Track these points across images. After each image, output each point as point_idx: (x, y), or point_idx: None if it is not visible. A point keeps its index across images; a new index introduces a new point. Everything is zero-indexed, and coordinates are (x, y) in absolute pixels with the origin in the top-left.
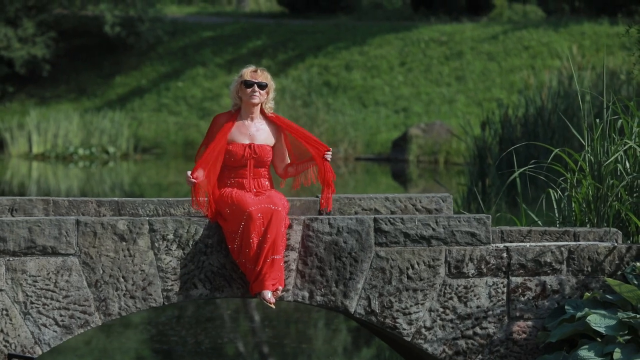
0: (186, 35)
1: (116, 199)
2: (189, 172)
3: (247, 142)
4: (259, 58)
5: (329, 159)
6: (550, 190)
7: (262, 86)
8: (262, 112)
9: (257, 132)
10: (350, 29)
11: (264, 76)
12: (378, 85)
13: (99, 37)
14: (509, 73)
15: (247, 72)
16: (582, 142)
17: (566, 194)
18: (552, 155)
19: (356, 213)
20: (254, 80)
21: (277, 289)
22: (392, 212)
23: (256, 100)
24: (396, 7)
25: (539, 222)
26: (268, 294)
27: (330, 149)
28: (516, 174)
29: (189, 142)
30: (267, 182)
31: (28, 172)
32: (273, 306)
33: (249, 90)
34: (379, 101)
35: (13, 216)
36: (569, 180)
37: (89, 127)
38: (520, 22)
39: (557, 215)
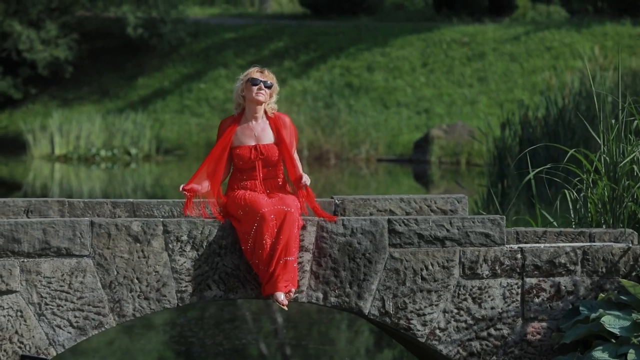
0: (208, 37)
1: (131, 200)
2: (181, 187)
3: (253, 143)
4: (280, 59)
5: (306, 184)
6: (566, 191)
7: (267, 85)
8: (264, 112)
9: (262, 132)
10: (372, 30)
11: (270, 77)
12: (400, 86)
13: (122, 38)
14: (531, 74)
15: (254, 71)
16: (599, 142)
17: (582, 194)
18: (567, 156)
19: (371, 214)
20: (260, 79)
21: (289, 291)
22: (407, 213)
23: (261, 98)
24: (418, 8)
25: (554, 223)
26: (280, 296)
27: (304, 176)
28: (531, 174)
29: (211, 144)
30: (279, 183)
31: (50, 174)
32: (285, 308)
33: (255, 87)
34: (401, 102)
35: (28, 217)
36: (584, 181)
37: (111, 128)
38: (543, 22)
39: (572, 216)
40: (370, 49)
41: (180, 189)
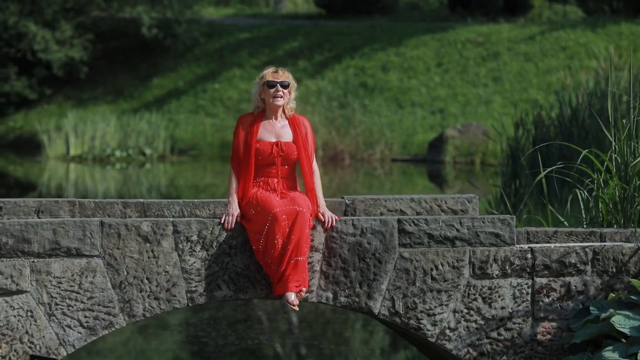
0: (223, 37)
1: (142, 200)
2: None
3: (273, 140)
4: (295, 59)
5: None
6: (578, 191)
7: (284, 85)
8: (283, 111)
9: (282, 129)
10: (386, 30)
11: (285, 75)
12: (414, 86)
13: (136, 39)
14: (546, 74)
15: (269, 73)
16: (612, 142)
17: (593, 194)
18: (581, 157)
19: (381, 214)
20: (276, 80)
21: (300, 291)
22: (418, 213)
23: (280, 102)
24: (433, 7)
25: (565, 222)
26: (291, 296)
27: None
28: (542, 174)
29: (225, 144)
30: (292, 183)
31: (65, 174)
32: (296, 308)
33: (272, 90)
34: (415, 102)
35: (39, 218)
36: (595, 181)
37: (126, 128)
38: (557, 22)
39: (584, 216)
40: (384, 49)
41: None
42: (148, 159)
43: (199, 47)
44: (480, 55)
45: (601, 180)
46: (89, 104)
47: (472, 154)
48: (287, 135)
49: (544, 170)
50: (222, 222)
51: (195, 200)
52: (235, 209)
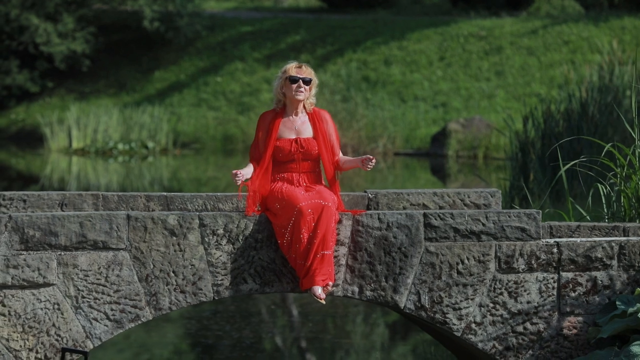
0: (225, 30)
1: (165, 193)
2: (235, 172)
3: (293, 136)
4: (297, 53)
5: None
6: (599, 185)
7: (306, 82)
8: (303, 107)
9: (302, 125)
10: (388, 24)
11: (308, 72)
12: (417, 80)
13: (138, 32)
14: (549, 68)
15: (292, 68)
16: (634, 136)
17: (616, 188)
18: (604, 151)
19: (404, 208)
20: (299, 75)
21: (327, 285)
22: (440, 207)
23: (301, 97)
24: (434, 1)
25: (588, 217)
26: (318, 290)
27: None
28: (565, 167)
29: (228, 137)
30: (316, 177)
31: (68, 167)
32: (323, 302)
33: (294, 86)
34: (418, 96)
35: (63, 211)
36: (618, 175)
37: (129, 122)
38: (560, 16)
39: (605, 210)
40: (387, 43)
41: (233, 172)
42: (150, 152)
43: (201, 40)
44: (483, 49)
45: (624, 174)
46: (91, 97)
47: (475, 147)
48: (307, 131)
49: (563, 164)
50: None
51: (219, 194)
52: (242, 171)
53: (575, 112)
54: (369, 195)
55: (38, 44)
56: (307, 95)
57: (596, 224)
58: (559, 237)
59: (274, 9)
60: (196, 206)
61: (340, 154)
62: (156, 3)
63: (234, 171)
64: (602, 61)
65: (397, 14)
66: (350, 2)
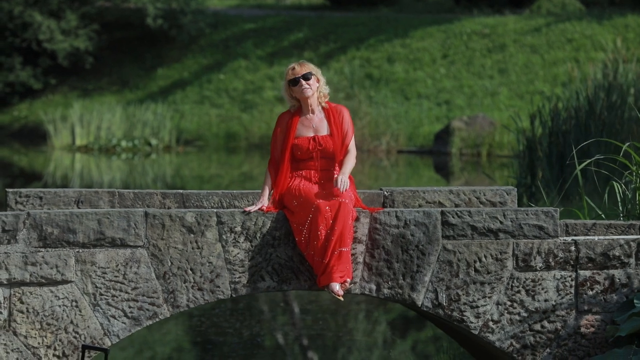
0: (227, 28)
1: (181, 191)
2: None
3: (311, 134)
4: (300, 50)
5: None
6: (615, 183)
7: (307, 77)
8: (318, 102)
9: (319, 123)
10: (391, 21)
11: (304, 68)
12: (420, 77)
13: (142, 29)
14: (552, 66)
15: (288, 73)
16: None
17: (632, 186)
18: (622, 150)
19: (419, 206)
20: (296, 76)
21: (345, 281)
22: (456, 205)
23: (309, 93)
24: None
25: (603, 215)
26: (336, 287)
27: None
28: (581, 166)
29: (230, 134)
30: (334, 174)
31: (71, 164)
32: (341, 299)
33: (297, 87)
34: (422, 94)
35: (79, 208)
36: (635, 173)
37: (132, 119)
38: (563, 14)
39: (620, 208)
40: (390, 40)
41: (264, 208)
42: (154, 149)
43: (204, 38)
44: (486, 47)
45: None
46: (94, 94)
47: (478, 145)
48: (324, 129)
49: (579, 164)
50: (247, 209)
51: (234, 191)
52: (262, 201)
53: (583, 110)
54: (385, 193)
55: (41, 41)
56: (314, 89)
57: (612, 222)
58: (575, 235)
59: (277, 6)
60: (212, 203)
61: (348, 156)
62: (159, 0)
63: (247, 209)
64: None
65: (399, 12)
66: (352, 0)
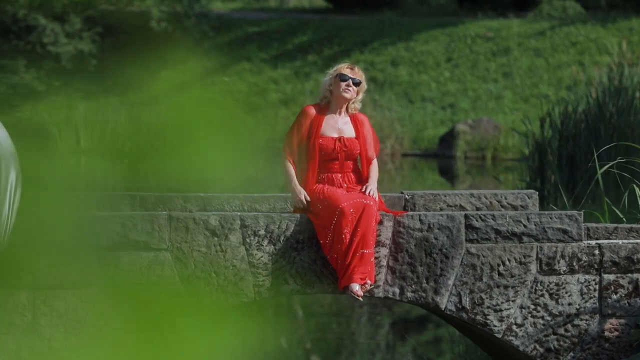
0: (231, 31)
1: (202, 194)
2: (302, 198)
3: (336, 135)
4: (304, 54)
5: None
6: (635, 187)
7: (356, 83)
8: (347, 108)
9: (345, 125)
10: (395, 25)
11: (359, 74)
12: (424, 81)
13: (146, 32)
14: (557, 69)
15: (344, 67)
16: None
17: None
18: None
19: (441, 209)
20: (350, 75)
21: (365, 283)
22: (478, 209)
23: (348, 95)
24: (441, 2)
25: (624, 219)
26: (356, 287)
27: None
28: (602, 170)
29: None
30: (357, 177)
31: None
32: (361, 299)
33: (343, 84)
34: (426, 97)
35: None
36: None
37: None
38: (567, 18)
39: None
40: (394, 44)
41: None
42: None
43: (208, 41)
44: (491, 51)
45: None
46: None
47: (483, 149)
48: (349, 131)
49: (600, 167)
50: (294, 210)
51: (255, 195)
52: (301, 190)
53: (593, 113)
54: (406, 196)
55: (45, 44)
56: (353, 96)
57: (633, 225)
58: (597, 238)
59: (280, 9)
60: (233, 207)
61: (372, 166)
62: (164, 3)
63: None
64: (611, 62)
65: (403, 15)
66: (356, 3)
